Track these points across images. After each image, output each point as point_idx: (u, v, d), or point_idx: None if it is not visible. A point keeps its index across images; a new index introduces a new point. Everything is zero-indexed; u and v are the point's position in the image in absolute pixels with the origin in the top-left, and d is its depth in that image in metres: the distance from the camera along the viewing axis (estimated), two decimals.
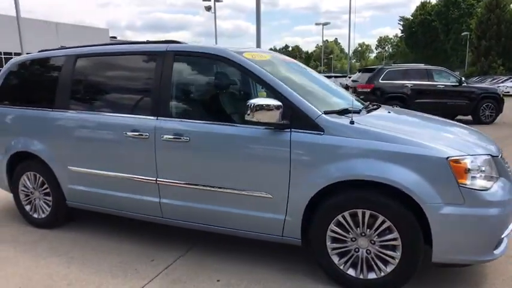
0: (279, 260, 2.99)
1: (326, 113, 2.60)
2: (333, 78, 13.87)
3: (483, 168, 2.38)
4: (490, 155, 2.50)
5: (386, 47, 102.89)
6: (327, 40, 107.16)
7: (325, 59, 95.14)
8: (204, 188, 2.87)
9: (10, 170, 3.86)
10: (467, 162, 2.33)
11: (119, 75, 3.39)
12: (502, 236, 2.42)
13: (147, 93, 3.10)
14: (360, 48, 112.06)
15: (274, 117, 2.53)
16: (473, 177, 2.33)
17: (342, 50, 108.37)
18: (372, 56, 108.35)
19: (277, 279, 2.75)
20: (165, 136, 2.93)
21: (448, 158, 2.30)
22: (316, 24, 42.17)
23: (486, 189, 2.33)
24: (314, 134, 2.55)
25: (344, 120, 2.54)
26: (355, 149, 2.45)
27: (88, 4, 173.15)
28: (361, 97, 10.74)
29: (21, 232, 3.74)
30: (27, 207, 3.85)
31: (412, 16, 64.87)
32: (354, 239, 2.53)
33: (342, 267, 2.57)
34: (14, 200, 3.95)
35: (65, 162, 3.47)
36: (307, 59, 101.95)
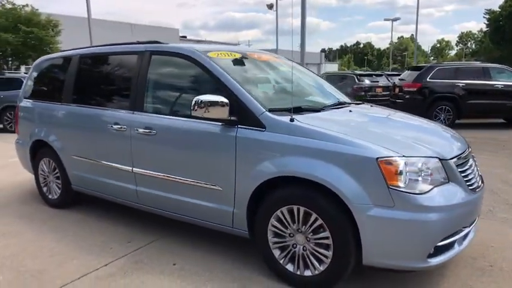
0: (236, 251, 3.10)
1: (271, 110, 2.65)
2: (385, 76, 13.32)
3: (420, 171, 2.27)
4: (438, 158, 2.37)
5: (469, 43, 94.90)
6: (402, 36, 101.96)
7: (398, 56, 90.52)
8: (168, 177, 3.09)
9: (33, 154, 4.41)
10: (400, 163, 2.23)
11: (108, 73, 3.75)
12: (440, 244, 2.28)
13: (128, 89, 3.39)
14: (438, 45, 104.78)
15: (221, 113, 2.65)
16: (406, 180, 2.23)
17: (419, 47, 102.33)
18: (452, 53, 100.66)
19: (226, 269, 2.87)
20: (139, 129, 3.19)
21: (378, 158, 2.24)
22: (385, 19, 40.28)
23: (421, 193, 2.23)
24: (257, 130, 2.62)
25: (285, 118, 2.57)
26: (291, 146, 2.49)
27: (165, 5, 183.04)
28: (407, 97, 10.33)
29: (38, 210, 4.27)
30: (44, 189, 4.39)
31: (499, 8, 59.03)
32: (291, 235, 2.56)
33: (281, 261, 2.62)
34: (35, 181, 4.52)
35: (68, 151, 3.91)
36: (379, 56, 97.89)
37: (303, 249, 2.53)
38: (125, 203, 3.60)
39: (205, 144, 2.87)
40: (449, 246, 2.40)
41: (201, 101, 2.62)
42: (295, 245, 2.57)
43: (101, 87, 3.78)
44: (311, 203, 2.41)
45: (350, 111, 3.02)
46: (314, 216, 2.42)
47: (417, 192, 2.23)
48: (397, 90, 11.02)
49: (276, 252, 2.64)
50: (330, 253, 2.41)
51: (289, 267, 2.60)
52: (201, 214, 3.00)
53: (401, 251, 2.27)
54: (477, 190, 2.58)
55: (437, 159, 2.37)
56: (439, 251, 2.33)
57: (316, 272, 2.48)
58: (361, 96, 12.00)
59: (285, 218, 2.55)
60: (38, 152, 4.35)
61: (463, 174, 2.51)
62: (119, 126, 3.34)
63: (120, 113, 3.38)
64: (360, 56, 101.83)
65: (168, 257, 3.09)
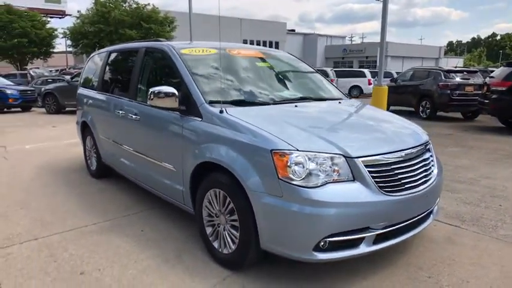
0: (191, 228, 3.46)
1: (211, 102, 2.93)
2: (480, 73, 11.87)
3: (314, 166, 2.34)
4: (342, 155, 2.40)
5: None
6: None
7: None
8: (145, 157, 3.60)
9: (83, 132, 5.38)
10: (291, 157, 2.33)
11: (120, 66, 4.41)
12: (332, 239, 2.32)
13: (130, 81, 3.98)
14: None
15: (172, 103, 3.03)
16: (297, 173, 2.32)
17: None
18: None
19: (174, 240, 3.26)
20: (132, 116, 3.77)
21: (272, 150, 2.38)
22: None
23: (311, 187, 2.30)
24: (196, 119, 2.95)
25: (216, 110, 2.83)
26: (215, 135, 2.75)
27: None
28: (494, 97, 9.18)
29: (80, 178, 5.22)
30: (88, 162, 5.32)
31: None
32: (217, 215, 2.83)
33: (211, 238, 2.91)
34: (84, 156, 5.51)
35: (97, 130, 4.72)
36: None
37: (223, 229, 2.79)
38: (126, 176, 4.25)
39: (165, 130, 3.29)
40: (350, 245, 2.41)
41: (154, 91, 3.03)
42: (219, 225, 2.83)
43: (116, 77, 4.48)
44: (226, 188, 2.65)
45: (295, 106, 3.10)
46: (228, 199, 2.66)
47: (306, 185, 2.30)
48: (485, 89, 9.86)
49: (208, 230, 2.94)
50: (238, 234, 2.63)
51: (215, 244, 2.87)
52: (166, 190, 3.44)
53: (288, 240, 2.37)
54: (405, 192, 2.50)
55: (340, 156, 2.39)
56: (333, 247, 2.37)
57: (230, 251, 2.72)
58: (447, 95, 10.99)
59: (212, 200, 2.83)
60: (84, 130, 5.28)
61: (390, 173, 2.47)
62: (123, 112, 3.95)
63: (124, 100, 4.00)
64: (495, 49, 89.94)
65: (142, 225, 3.61)
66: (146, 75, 3.79)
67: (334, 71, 21.67)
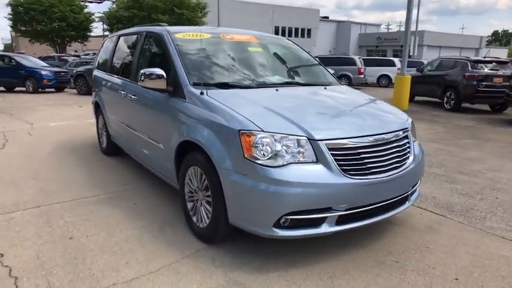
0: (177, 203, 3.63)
1: (195, 84, 3.07)
2: (511, 63, 11.29)
3: (276, 146, 2.41)
4: (306, 137, 2.48)
5: None
6: None
7: None
8: (142, 135, 3.81)
9: (96, 112, 5.68)
10: (256, 137, 2.43)
11: (125, 50, 4.60)
12: (293, 217, 2.41)
13: (131, 63, 4.18)
14: None
15: (160, 84, 3.20)
16: (261, 152, 2.42)
17: None
18: None
19: (161, 213, 3.47)
20: (131, 96, 3.98)
21: (240, 130, 2.49)
22: None
23: (272, 166, 2.40)
24: (181, 100, 3.10)
25: (197, 91, 2.96)
26: (195, 115, 2.89)
27: None
28: None
29: (92, 154, 5.54)
30: (100, 140, 5.63)
31: None
32: (196, 191, 2.99)
33: (191, 213, 3.09)
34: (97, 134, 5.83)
35: (107, 110, 4.99)
36: None
37: (200, 205, 2.95)
38: (129, 154, 4.49)
39: (155, 110, 3.47)
40: (312, 224, 2.51)
41: (145, 73, 3.20)
42: (197, 200, 2.99)
43: (122, 60, 4.68)
44: (202, 166, 2.79)
45: (277, 90, 3.18)
46: (204, 176, 2.81)
47: (268, 164, 2.41)
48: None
49: (189, 205, 3.11)
50: (211, 209, 2.78)
51: (194, 218, 3.04)
52: (158, 167, 3.64)
53: (251, 216, 2.49)
54: (370, 177, 2.55)
55: (305, 138, 2.47)
56: (295, 225, 2.47)
57: (205, 225, 2.88)
58: (473, 86, 10.60)
59: (192, 177, 2.99)
60: (97, 110, 5.58)
61: (356, 157, 2.54)
62: (124, 93, 4.17)
63: (126, 81, 4.21)
64: None
65: (137, 199, 3.84)
66: (145, 57, 3.97)
67: (362, 59, 21.16)
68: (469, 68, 10.91)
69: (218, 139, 2.64)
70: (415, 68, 14.66)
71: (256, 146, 2.43)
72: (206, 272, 2.56)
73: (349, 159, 2.53)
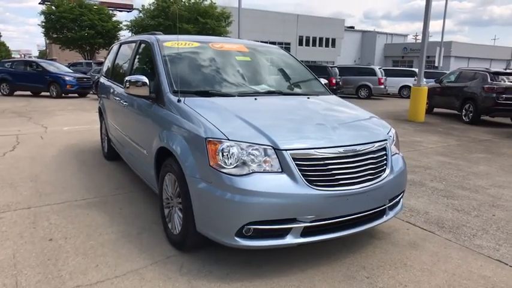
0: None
1: (175, 92, 3.11)
2: None
3: (240, 155, 2.41)
4: (272, 147, 2.47)
5: None
6: None
7: None
8: (131, 141, 3.88)
9: (100, 118, 5.85)
10: (222, 146, 2.43)
11: (123, 57, 4.71)
12: (256, 227, 2.40)
13: (126, 70, 4.28)
14: None
15: (143, 91, 3.26)
16: (225, 161, 2.42)
17: None
18: None
19: (142, 219, 3.51)
20: (123, 102, 4.08)
21: (206, 138, 2.51)
22: None
23: (236, 175, 2.40)
24: (161, 107, 3.15)
25: (175, 98, 3.00)
26: (171, 122, 2.93)
27: None
28: None
29: (94, 159, 5.68)
30: (103, 144, 5.78)
31: None
32: (171, 198, 3.02)
33: (167, 219, 3.11)
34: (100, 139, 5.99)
35: (107, 116, 5.12)
36: None
37: (174, 211, 2.97)
38: (123, 158, 4.59)
39: (140, 116, 3.55)
40: (276, 235, 2.48)
41: (130, 80, 3.27)
42: (172, 207, 3.02)
43: (119, 67, 4.80)
44: (175, 173, 2.81)
45: (255, 99, 3.18)
46: (177, 183, 2.83)
47: (232, 173, 2.41)
48: None
49: (166, 211, 3.13)
50: (182, 217, 2.79)
51: (169, 225, 3.06)
52: (143, 173, 3.69)
53: (215, 225, 2.49)
54: (338, 188, 2.51)
55: (270, 148, 2.46)
56: (258, 235, 2.45)
57: (177, 232, 2.90)
58: (492, 98, 10.25)
59: (167, 184, 3.02)
60: (101, 116, 5.73)
61: (323, 168, 2.50)
62: (119, 99, 4.28)
63: (120, 87, 4.32)
64: None
65: (123, 204, 3.90)
66: (136, 65, 4.07)
67: (384, 69, 20.85)
68: (489, 80, 10.57)
69: (189, 146, 2.66)
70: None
71: (220, 154, 2.44)
72: (171, 279, 2.57)
73: (316, 170, 2.49)
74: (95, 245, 3.00)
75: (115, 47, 5.35)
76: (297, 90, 3.77)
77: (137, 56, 4.09)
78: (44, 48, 68.53)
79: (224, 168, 2.43)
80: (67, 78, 15.40)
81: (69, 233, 3.21)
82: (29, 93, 16.76)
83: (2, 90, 16.22)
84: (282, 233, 2.48)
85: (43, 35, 34.63)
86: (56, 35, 33.37)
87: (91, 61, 28.28)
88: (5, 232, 3.20)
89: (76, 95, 16.29)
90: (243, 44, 4.09)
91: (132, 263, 2.76)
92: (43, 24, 32.38)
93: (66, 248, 2.95)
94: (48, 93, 15.85)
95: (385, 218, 2.92)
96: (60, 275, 2.57)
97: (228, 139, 2.46)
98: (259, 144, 2.46)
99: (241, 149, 2.45)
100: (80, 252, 2.89)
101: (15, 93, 16.54)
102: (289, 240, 2.48)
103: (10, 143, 6.57)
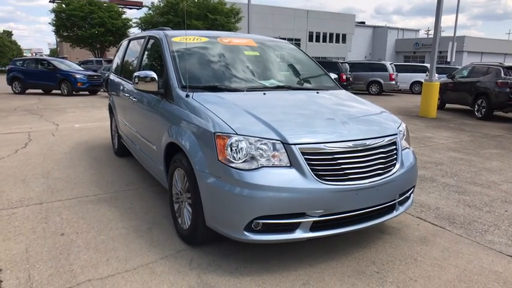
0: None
1: (183, 87, 3.11)
2: None
3: (249, 149, 2.41)
4: (281, 141, 2.46)
5: None
6: None
7: None
8: (141, 137, 3.91)
9: (110, 114, 5.90)
10: (230, 140, 2.43)
11: (132, 53, 4.74)
12: (265, 221, 2.39)
13: (135, 66, 4.31)
14: None
15: (152, 87, 3.27)
16: (234, 156, 2.42)
17: None
18: None
19: (152, 214, 3.53)
20: (132, 98, 4.10)
21: (215, 133, 2.51)
22: None
23: (245, 170, 2.40)
24: (170, 102, 3.16)
25: (184, 94, 3.01)
26: (178, 118, 2.94)
27: None
28: None
29: (104, 155, 5.74)
30: (113, 141, 5.83)
31: None
32: (181, 193, 3.04)
33: (177, 214, 3.13)
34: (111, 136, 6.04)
35: (116, 112, 5.16)
36: None
37: (184, 206, 2.98)
38: (133, 154, 4.62)
39: (149, 112, 3.56)
40: (285, 229, 2.47)
41: (139, 75, 3.29)
42: (182, 202, 3.03)
43: (128, 63, 4.83)
44: (184, 168, 2.82)
45: (264, 94, 3.17)
46: (186, 178, 2.84)
47: (241, 168, 2.41)
48: None
49: (176, 206, 3.15)
50: (191, 211, 2.81)
51: (179, 220, 3.08)
52: (154, 169, 3.71)
53: (224, 219, 2.49)
54: (347, 183, 2.49)
55: (279, 142, 2.45)
56: (268, 229, 2.45)
57: (187, 226, 2.91)
58: (506, 94, 10.08)
59: (177, 179, 3.04)
60: (111, 113, 5.78)
61: (332, 162, 2.49)
62: (128, 95, 4.31)
63: (129, 83, 4.34)
64: None
65: (133, 199, 3.94)
66: (145, 61, 4.08)
67: (395, 65, 20.63)
68: (502, 75, 10.39)
69: (197, 141, 2.67)
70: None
71: (229, 149, 2.44)
72: (180, 273, 2.58)
73: (325, 164, 2.48)
74: (106, 240, 3.04)
75: (124, 43, 5.38)
76: (306, 85, 3.76)
77: (146, 52, 4.11)
78: (55, 46, 69.31)
79: (233, 162, 2.43)
80: (78, 76, 15.56)
81: (81, 228, 3.25)
82: (40, 91, 16.99)
83: (14, 89, 16.46)
84: (291, 228, 2.48)
85: (54, 33, 35.01)
86: (66, 33, 33.74)
87: (101, 59, 28.51)
88: (18, 227, 3.25)
89: (87, 92, 16.47)
90: (252, 38, 4.08)
91: (143, 257, 2.78)
92: (53, 22, 32.72)
93: (77, 242, 2.99)
94: (59, 91, 16.04)
95: (395, 213, 2.90)
96: (71, 269, 2.61)
97: (237, 134, 2.46)
98: (267, 138, 2.46)
99: (250, 143, 2.44)
100: (91, 246, 2.93)
101: (27, 91, 16.77)
102: (298, 234, 2.48)
103: (22, 140, 6.67)
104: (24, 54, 71.54)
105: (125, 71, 4.88)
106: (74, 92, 15.73)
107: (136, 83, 3.31)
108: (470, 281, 2.56)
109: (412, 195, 3.15)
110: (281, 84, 3.55)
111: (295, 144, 2.44)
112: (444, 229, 3.39)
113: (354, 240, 3.08)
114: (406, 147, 3.06)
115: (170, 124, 3.07)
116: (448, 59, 27.09)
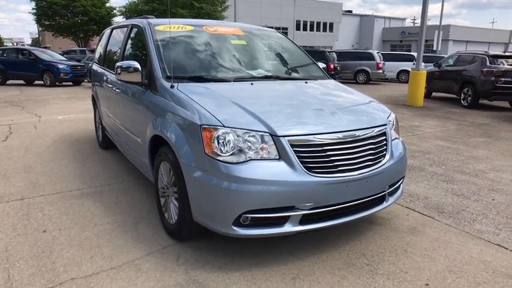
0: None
1: (168, 77, 3.01)
2: None
3: (237, 142, 2.34)
4: (269, 133, 2.39)
5: None
6: None
7: None
8: (125, 129, 3.79)
9: (93, 106, 5.74)
10: (217, 133, 2.35)
11: (114, 43, 4.59)
12: (254, 215, 2.33)
13: (118, 56, 4.16)
14: None
15: (136, 77, 3.16)
16: (220, 148, 2.34)
17: None
18: None
19: (138, 208, 3.45)
20: (115, 89, 3.97)
21: (201, 125, 2.42)
22: None
23: (232, 163, 2.32)
24: (154, 93, 3.05)
25: (168, 84, 2.91)
26: (163, 109, 2.84)
27: None
28: None
29: (88, 148, 5.60)
30: (97, 133, 5.68)
31: None
32: (167, 187, 2.95)
33: (163, 209, 3.05)
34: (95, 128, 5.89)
35: (100, 103, 5.01)
36: None
37: (170, 201, 2.90)
38: (118, 147, 4.50)
39: (133, 103, 3.45)
40: (274, 223, 2.42)
41: (121, 65, 3.16)
42: (168, 196, 2.95)
43: (111, 53, 4.68)
44: (170, 161, 2.73)
45: (251, 84, 3.09)
46: (172, 172, 2.76)
47: (228, 161, 2.33)
48: None
49: (162, 200, 3.07)
50: (178, 206, 2.73)
51: (166, 214, 3.00)
52: (138, 162, 3.61)
53: (212, 214, 2.42)
54: (337, 175, 2.44)
55: (267, 134, 2.38)
56: (256, 223, 2.39)
57: (173, 221, 2.84)
58: (491, 82, 10.16)
59: (163, 172, 2.95)
60: (94, 104, 5.63)
61: (321, 154, 2.43)
62: (111, 86, 4.17)
63: (112, 73, 4.20)
64: None
65: (118, 193, 3.84)
66: (128, 50, 3.95)
67: (382, 53, 20.66)
68: (488, 63, 10.46)
69: (183, 134, 2.58)
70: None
71: (215, 141, 2.36)
72: (167, 269, 2.52)
73: (314, 157, 2.42)
74: (90, 236, 2.95)
75: (107, 32, 5.20)
76: (294, 74, 3.68)
77: (129, 41, 3.97)
78: (37, 36, 67.58)
79: (220, 156, 2.35)
80: (61, 66, 15.17)
81: (64, 224, 3.15)
82: (22, 82, 16.53)
83: None
84: (280, 221, 2.42)
85: (35, 22, 34.02)
86: (48, 22, 32.79)
87: (85, 48, 27.91)
88: None
89: (70, 83, 16.08)
90: (239, 27, 3.97)
91: (128, 253, 2.70)
92: (34, 11, 31.77)
93: (60, 239, 2.89)
94: (41, 82, 15.63)
95: (385, 204, 2.87)
96: (54, 268, 2.52)
97: (224, 126, 2.38)
98: (255, 130, 2.38)
99: (237, 136, 2.37)
100: (74, 243, 2.83)
101: (8, 82, 16.31)
102: (288, 228, 2.43)
103: (3, 133, 6.47)
104: (5, 44, 69.62)
105: (108, 60, 4.73)
106: (57, 83, 15.33)
107: (119, 74, 3.19)
108: (459, 271, 2.56)
109: (401, 185, 3.13)
110: (269, 74, 3.46)
111: (284, 136, 2.37)
112: (433, 219, 3.39)
113: (343, 232, 3.05)
114: (396, 138, 3.03)
115: (155, 116, 2.97)
116: (434, 48, 27.25)
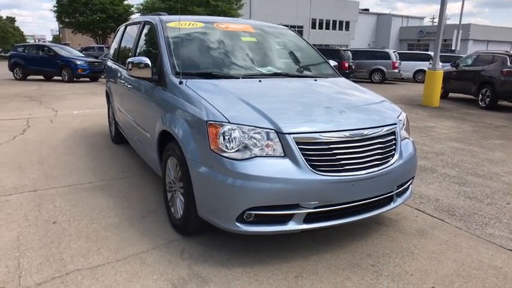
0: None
1: (177, 73, 3.02)
2: None
3: (242, 138, 2.34)
4: (274, 130, 2.38)
5: None
6: None
7: None
8: (136, 125, 3.84)
9: (107, 101, 5.82)
10: (223, 129, 2.35)
11: (128, 39, 4.63)
12: (257, 212, 2.33)
13: (130, 52, 4.21)
14: None
15: (146, 73, 3.19)
16: (226, 145, 2.34)
17: None
18: None
19: (146, 203, 3.49)
20: (127, 84, 4.02)
21: (207, 121, 2.43)
22: None
23: (237, 159, 2.33)
24: (163, 89, 3.08)
25: (177, 80, 2.92)
26: (172, 105, 2.86)
27: None
28: None
29: (102, 142, 5.69)
30: (110, 128, 5.76)
31: None
32: (174, 182, 2.98)
33: (170, 203, 3.08)
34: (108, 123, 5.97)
35: (113, 98, 5.08)
36: None
37: (177, 196, 2.92)
38: (129, 142, 4.56)
39: (143, 99, 3.48)
40: (278, 221, 2.41)
41: (132, 61, 3.20)
42: (175, 191, 2.97)
43: (124, 49, 4.74)
44: (177, 156, 2.75)
45: (260, 81, 3.08)
46: (178, 167, 2.78)
47: (233, 157, 2.33)
48: None
49: (168, 195, 3.09)
50: (183, 201, 2.75)
51: (172, 209, 3.02)
52: (148, 157, 3.65)
53: (216, 210, 2.43)
54: (343, 174, 2.42)
55: (272, 131, 2.37)
56: (260, 220, 2.39)
57: (179, 216, 2.86)
58: (511, 82, 9.91)
59: (170, 167, 2.97)
60: (108, 99, 5.71)
61: (327, 152, 2.41)
62: (123, 81, 4.22)
63: (124, 69, 4.25)
64: None
65: (128, 187, 3.89)
66: (141, 46, 3.99)
67: (398, 53, 20.35)
68: (508, 63, 10.20)
69: (190, 130, 2.60)
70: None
71: (221, 138, 2.37)
72: (171, 263, 2.54)
73: (320, 155, 2.40)
74: (98, 229, 2.99)
75: (121, 28, 5.27)
76: (304, 72, 3.66)
77: (142, 38, 4.01)
78: (58, 33, 68.96)
79: (225, 152, 2.36)
80: (78, 62, 15.44)
81: (73, 216, 3.21)
82: (41, 77, 16.89)
83: (15, 75, 16.39)
84: (284, 219, 2.41)
85: (55, 19, 34.74)
86: (68, 19, 33.44)
87: (103, 45, 28.33)
88: (11, 214, 3.21)
89: (87, 79, 16.36)
90: (250, 24, 3.97)
91: (134, 246, 2.74)
92: (55, 8, 32.42)
93: (69, 231, 2.95)
94: (60, 78, 15.94)
95: (392, 204, 2.83)
96: (61, 258, 2.56)
97: (230, 122, 2.38)
98: (261, 127, 2.38)
99: (243, 132, 2.37)
100: (82, 235, 2.88)
101: (28, 77, 16.69)
102: (292, 226, 2.42)
103: (21, 127, 6.62)
104: (27, 41, 71.26)
105: (121, 57, 4.79)
106: (74, 79, 15.62)
107: (130, 69, 3.22)
108: (468, 276, 2.50)
109: (411, 186, 3.08)
110: (278, 71, 3.45)
111: (289, 133, 2.36)
112: (443, 221, 3.32)
113: (349, 232, 3.02)
114: (406, 138, 2.98)
115: (164, 112, 3.00)
116: (453, 47, 26.76)
